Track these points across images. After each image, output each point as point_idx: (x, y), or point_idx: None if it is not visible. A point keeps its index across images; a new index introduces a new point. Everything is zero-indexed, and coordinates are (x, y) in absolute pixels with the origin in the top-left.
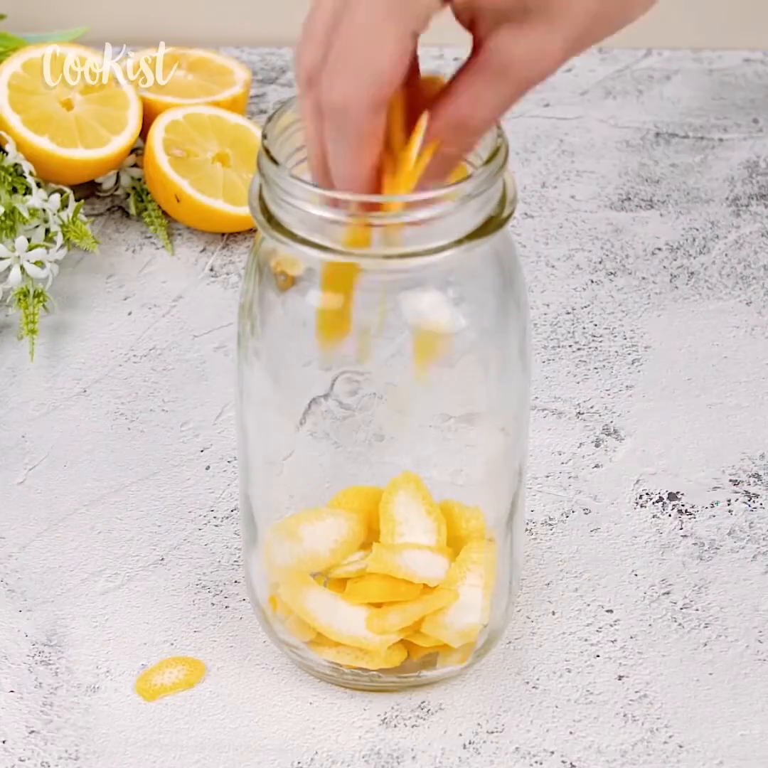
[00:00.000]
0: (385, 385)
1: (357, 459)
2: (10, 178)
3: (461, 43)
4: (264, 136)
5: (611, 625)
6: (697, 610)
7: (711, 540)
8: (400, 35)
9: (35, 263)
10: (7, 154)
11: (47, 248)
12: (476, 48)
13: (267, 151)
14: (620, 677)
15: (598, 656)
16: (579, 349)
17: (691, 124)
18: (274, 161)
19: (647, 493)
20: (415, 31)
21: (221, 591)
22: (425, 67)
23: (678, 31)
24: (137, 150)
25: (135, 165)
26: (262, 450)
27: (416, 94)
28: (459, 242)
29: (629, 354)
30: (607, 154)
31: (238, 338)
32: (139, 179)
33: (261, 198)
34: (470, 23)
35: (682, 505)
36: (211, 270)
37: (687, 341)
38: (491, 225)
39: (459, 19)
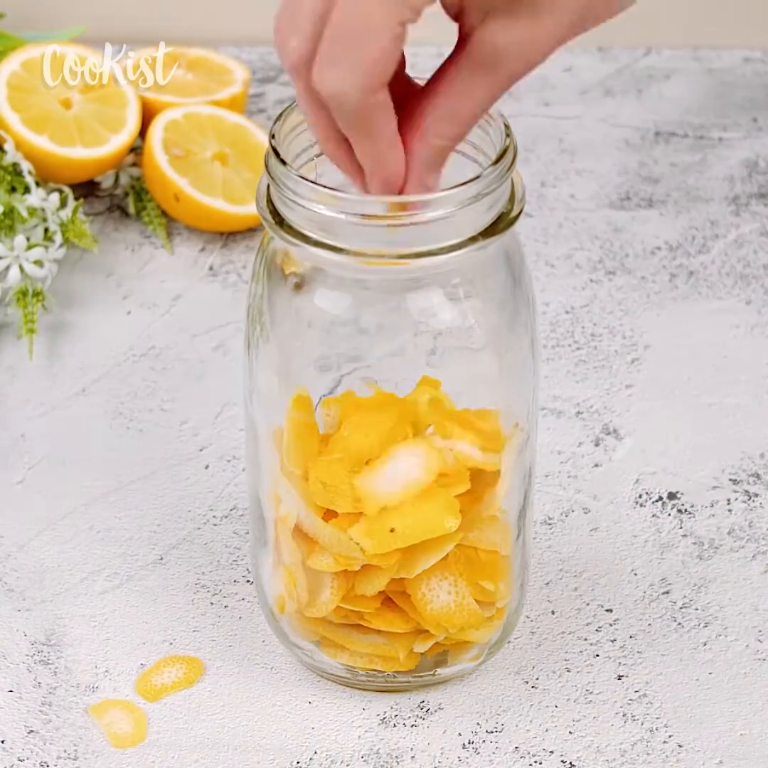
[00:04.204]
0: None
1: None
2: (9, 177)
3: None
4: (272, 136)
5: (611, 625)
6: (696, 609)
7: (710, 539)
8: (393, 24)
9: (34, 262)
10: (6, 153)
11: (46, 247)
12: (463, 40)
13: (275, 152)
14: (620, 677)
15: (597, 656)
16: (578, 348)
17: (690, 124)
18: (283, 161)
19: (647, 493)
20: (407, 21)
21: (220, 590)
22: (424, 66)
23: (678, 30)
24: (136, 149)
25: (134, 164)
26: (272, 451)
27: (402, 89)
28: (473, 240)
29: (628, 353)
30: (606, 153)
31: (246, 339)
32: (138, 178)
33: (269, 198)
34: (457, 14)
35: (682, 505)
36: (211, 269)
37: (686, 341)
38: (502, 223)
39: (447, 9)
